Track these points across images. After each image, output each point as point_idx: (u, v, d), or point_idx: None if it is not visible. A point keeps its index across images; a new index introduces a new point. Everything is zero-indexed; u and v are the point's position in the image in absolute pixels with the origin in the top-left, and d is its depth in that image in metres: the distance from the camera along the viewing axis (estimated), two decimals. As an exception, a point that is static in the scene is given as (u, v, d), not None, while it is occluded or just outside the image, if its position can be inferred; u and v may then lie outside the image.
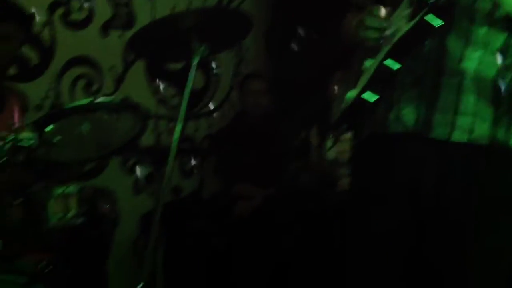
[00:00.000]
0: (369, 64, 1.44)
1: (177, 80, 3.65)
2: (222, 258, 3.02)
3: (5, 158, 1.69)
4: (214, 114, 3.99)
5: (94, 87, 3.35)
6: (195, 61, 2.09)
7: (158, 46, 2.30)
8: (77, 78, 3.29)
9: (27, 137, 1.77)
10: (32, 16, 2.93)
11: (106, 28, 3.43)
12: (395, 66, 1.36)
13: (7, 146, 1.70)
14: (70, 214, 1.88)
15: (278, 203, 3.21)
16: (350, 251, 1.53)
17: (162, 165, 2.46)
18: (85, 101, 2.00)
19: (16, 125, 1.81)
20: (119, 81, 3.45)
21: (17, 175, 2.28)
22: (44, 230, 1.87)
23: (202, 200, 3.58)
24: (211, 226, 3.20)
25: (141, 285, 1.70)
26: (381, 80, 1.40)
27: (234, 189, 3.34)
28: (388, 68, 1.36)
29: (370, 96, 1.41)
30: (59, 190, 1.92)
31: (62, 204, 1.88)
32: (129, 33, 3.36)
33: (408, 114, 1.41)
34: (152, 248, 1.90)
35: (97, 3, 3.38)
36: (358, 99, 1.43)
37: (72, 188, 1.94)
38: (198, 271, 2.96)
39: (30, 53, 3.08)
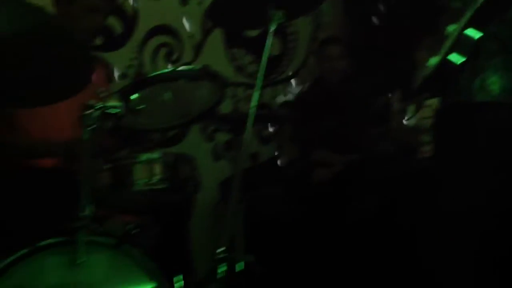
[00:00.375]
0: (452, 29, 1.40)
1: (255, 47, 3.66)
2: (299, 225, 3.05)
3: (94, 125, 1.77)
4: (292, 81, 3.98)
5: (175, 56, 3.41)
6: (272, 28, 2.10)
7: (236, 14, 2.32)
8: (159, 47, 3.36)
9: (114, 105, 1.85)
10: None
11: (185, -5, 3.47)
12: (477, 35, 1.30)
13: (96, 113, 1.79)
14: (154, 179, 1.95)
15: (358, 170, 3.18)
16: (433, 217, 1.51)
17: (240, 132, 2.51)
18: (167, 70, 2.05)
19: (104, 93, 1.89)
20: (198, 49, 3.50)
21: (106, 141, 2.40)
22: (131, 194, 1.96)
23: (280, 166, 3.61)
24: (289, 193, 3.22)
25: (222, 249, 1.75)
26: (464, 46, 1.35)
27: (313, 156, 3.34)
28: (470, 37, 1.31)
29: (456, 58, 1.36)
30: (144, 156, 1.99)
31: (147, 170, 1.96)
32: (208, 1, 3.41)
33: (494, 83, 1.36)
34: (232, 213, 1.96)
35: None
36: (442, 64, 1.38)
37: (155, 154, 2.01)
38: (276, 238, 3.01)
39: (114, 23, 3.17)
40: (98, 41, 3.03)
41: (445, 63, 1.38)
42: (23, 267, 1.59)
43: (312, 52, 3.94)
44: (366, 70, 3.73)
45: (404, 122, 3.26)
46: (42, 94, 1.76)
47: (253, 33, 3.61)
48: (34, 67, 1.63)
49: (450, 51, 1.37)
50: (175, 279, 1.92)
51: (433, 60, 1.44)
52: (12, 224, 1.93)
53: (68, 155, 2.11)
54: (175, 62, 3.37)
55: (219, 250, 1.77)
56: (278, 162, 3.71)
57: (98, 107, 1.78)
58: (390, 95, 3.41)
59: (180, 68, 2.10)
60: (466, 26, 1.31)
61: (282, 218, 3.07)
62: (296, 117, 3.54)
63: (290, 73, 3.98)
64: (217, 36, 3.57)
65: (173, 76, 2.05)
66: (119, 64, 3.18)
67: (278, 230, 3.02)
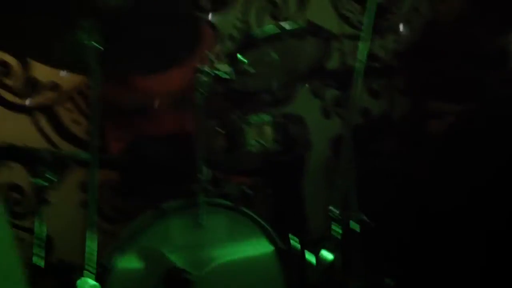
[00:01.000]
0: None
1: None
2: (413, 181, 2.98)
3: (207, 89, 1.83)
4: (401, 28, 3.83)
5: (280, 13, 3.39)
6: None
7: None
8: (264, 5, 3.35)
9: (223, 68, 1.89)
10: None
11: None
12: None
13: (207, 78, 1.84)
14: (265, 140, 2.00)
15: (477, 119, 3.02)
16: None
17: (349, 87, 2.47)
18: (272, 29, 2.05)
19: (213, 57, 1.93)
20: (302, 4, 3.45)
21: (218, 104, 2.47)
22: (244, 156, 2.02)
23: (393, 120, 3.53)
24: (403, 147, 3.15)
25: (335, 208, 1.77)
26: None
27: (426, 107, 3.22)
28: None
29: None
30: (255, 118, 2.04)
31: (258, 131, 2.00)
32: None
33: None
34: (343, 171, 1.96)
35: None
36: None
37: (266, 116, 2.05)
38: (389, 195, 2.97)
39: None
40: (205, 4, 3.08)
41: None
42: (150, 230, 1.70)
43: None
44: (481, 9, 3.50)
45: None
46: (156, 60, 1.84)
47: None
48: (147, 34, 1.70)
49: None
50: (290, 238, 1.97)
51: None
52: (139, 188, 2.07)
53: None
54: (280, 20, 3.35)
55: (332, 209, 1.78)
56: (391, 116, 3.62)
57: (209, 71, 1.83)
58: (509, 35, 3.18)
59: (285, 26, 2.09)
60: None
61: (396, 174, 3.01)
62: (408, 67, 3.42)
63: (400, 20, 3.81)
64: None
65: (278, 35, 2.05)
66: (226, 25, 3.22)
67: (392, 187, 2.97)
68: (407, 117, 3.34)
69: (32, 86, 2.68)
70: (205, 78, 1.84)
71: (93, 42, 1.47)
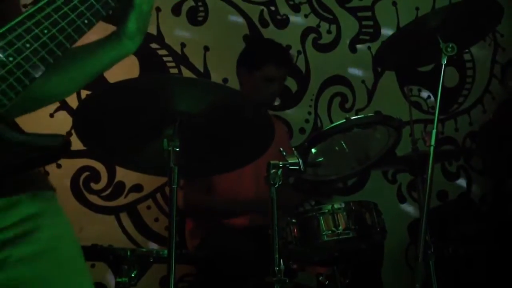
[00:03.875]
0: None
1: (429, 81, 3.58)
2: (498, 264, 2.83)
3: (280, 182, 1.88)
4: (474, 110, 3.79)
5: (348, 104, 3.47)
6: (444, 61, 2.07)
7: (405, 54, 2.32)
8: (332, 97, 3.44)
9: (294, 161, 1.95)
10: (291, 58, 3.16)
11: (354, 43, 3.54)
12: None
13: (279, 171, 1.90)
14: (340, 229, 2.00)
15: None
16: None
17: (423, 171, 2.45)
18: (341, 121, 2.10)
19: (284, 151, 2.00)
20: (371, 93, 3.52)
21: (290, 195, 2.52)
22: (318, 246, 2.02)
23: (472, 202, 3.42)
24: (485, 230, 3.02)
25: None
26: None
27: (507, 187, 3.11)
28: None
29: None
30: (328, 207, 2.05)
31: (332, 220, 2.01)
32: (376, 44, 3.44)
33: None
34: (422, 256, 1.91)
35: (342, 21, 3.51)
36: None
37: (339, 204, 2.06)
38: (472, 279, 2.83)
39: (290, 82, 3.33)
40: (276, 101, 3.21)
41: None
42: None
43: (495, 75, 3.73)
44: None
45: None
46: (234, 158, 1.93)
47: (427, 68, 3.53)
48: (226, 136, 1.80)
49: None
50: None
51: None
52: (215, 281, 2.10)
53: (257, 212, 2.26)
54: (349, 110, 3.42)
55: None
56: (470, 197, 3.51)
57: (280, 165, 1.89)
58: None
59: (354, 117, 2.14)
60: None
61: (476, 257, 2.88)
62: (485, 147, 3.35)
63: (472, 102, 3.79)
64: (389, 76, 3.56)
65: (348, 126, 2.10)
66: (296, 120, 3.32)
67: (473, 270, 2.84)
68: (487, 198, 3.23)
69: (118, 189, 2.85)
70: (277, 172, 1.90)
71: (173, 147, 1.58)
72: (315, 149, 2.18)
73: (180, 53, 3.07)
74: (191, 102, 1.63)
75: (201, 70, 3.10)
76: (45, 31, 1.01)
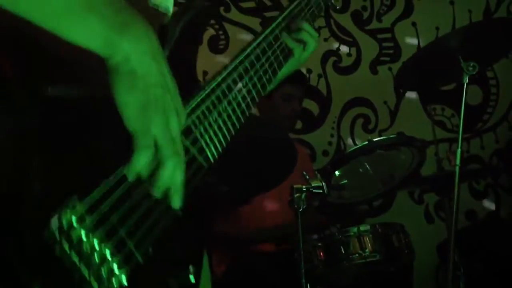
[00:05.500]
0: None
1: (452, 100, 3.55)
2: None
3: (304, 206, 1.89)
4: (499, 127, 3.75)
5: (371, 125, 3.47)
6: (466, 80, 2.07)
7: (426, 74, 2.33)
8: (354, 119, 3.45)
9: (318, 185, 1.95)
10: (305, 76, 3.19)
11: (374, 65, 3.55)
12: None
13: (303, 195, 1.90)
14: (367, 251, 1.99)
15: None
16: None
17: (449, 191, 2.43)
18: (363, 143, 2.11)
19: (308, 175, 2.00)
20: (393, 113, 3.51)
21: (316, 218, 2.51)
22: (345, 269, 2.01)
23: (501, 221, 3.36)
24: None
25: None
26: None
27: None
28: None
29: None
30: (354, 229, 2.04)
31: (359, 242, 2.00)
32: (397, 65, 3.44)
33: None
34: (452, 276, 1.89)
35: (362, 42, 3.53)
36: None
37: (365, 226, 2.05)
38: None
39: (311, 106, 3.36)
40: (298, 125, 3.22)
41: None
42: None
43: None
44: None
45: None
46: (258, 185, 1.94)
47: (449, 86, 3.51)
48: (249, 164, 1.81)
49: None
50: None
51: None
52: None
53: (283, 238, 2.26)
54: (372, 131, 3.41)
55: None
56: (499, 216, 3.45)
57: (304, 189, 1.90)
58: None
59: (376, 138, 2.15)
60: None
61: (507, 276, 2.82)
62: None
63: (497, 119, 3.75)
64: (411, 96, 3.55)
65: (370, 147, 2.10)
66: (319, 142, 3.33)
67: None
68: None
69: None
70: (301, 196, 1.90)
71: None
72: (338, 172, 2.18)
73: (202, 81, 3.10)
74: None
75: (223, 97, 3.13)
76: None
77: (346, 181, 2.16)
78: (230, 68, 1.06)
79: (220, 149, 1.01)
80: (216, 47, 3.19)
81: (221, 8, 3.23)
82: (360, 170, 2.23)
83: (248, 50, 1.10)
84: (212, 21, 3.19)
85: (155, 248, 0.85)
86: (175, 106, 0.84)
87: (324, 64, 3.44)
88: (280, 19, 1.19)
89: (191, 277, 0.93)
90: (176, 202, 0.84)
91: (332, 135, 3.38)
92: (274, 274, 2.19)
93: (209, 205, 1.05)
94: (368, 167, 2.24)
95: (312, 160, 3.13)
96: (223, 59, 3.18)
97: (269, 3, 3.34)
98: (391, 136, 2.34)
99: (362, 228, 2.04)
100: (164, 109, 0.82)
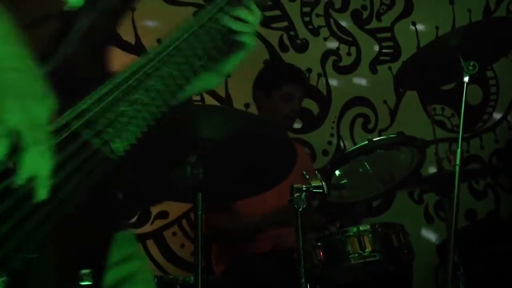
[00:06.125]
0: None
1: (452, 100, 3.55)
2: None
3: (304, 205, 1.88)
4: (499, 127, 3.74)
5: (371, 125, 3.46)
6: (465, 79, 2.06)
7: (426, 74, 2.32)
8: (354, 119, 3.44)
9: (318, 185, 1.94)
10: (306, 76, 3.17)
11: (374, 64, 3.54)
12: None
13: (303, 195, 1.90)
14: (366, 251, 1.98)
15: None
16: None
17: (449, 190, 2.42)
18: (363, 143, 2.10)
19: (308, 174, 2.00)
20: (393, 113, 3.51)
21: (315, 218, 2.51)
22: (345, 269, 2.01)
23: (501, 221, 3.35)
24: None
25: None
26: None
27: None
28: None
29: None
30: (354, 229, 2.04)
31: (358, 242, 2.00)
32: (397, 64, 3.44)
33: None
34: (452, 277, 1.88)
35: (361, 42, 3.52)
36: None
37: (364, 226, 2.05)
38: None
39: (311, 105, 3.35)
40: (298, 124, 3.22)
41: None
42: None
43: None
44: None
45: None
46: (255, 184, 1.94)
47: (449, 86, 3.51)
48: (248, 160, 1.81)
49: None
50: None
51: None
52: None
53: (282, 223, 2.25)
54: (371, 131, 3.41)
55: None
56: (499, 216, 3.44)
57: (304, 188, 1.89)
58: None
59: (376, 138, 2.14)
60: None
61: (506, 276, 2.82)
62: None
63: (497, 119, 3.74)
64: (411, 96, 3.55)
65: (370, 147, 2.10)
66: (319, 142, 3.32)
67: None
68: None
69: (144, 216, 2.87)
70: (301, 196, 1.89)
71: (197, 174, 1.60)
72: (338, 172, 2.18)
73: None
74: (214, 129, 1.65)
75: (223, 96, 3.13)
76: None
77: (346, 180, 2.15)
78: (148, 57, 0.98)
79: (132, 141, 0.95)
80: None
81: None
82: (360, 169, 2.23)
83: (175, 36, 1.03)
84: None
85: (42, 251, 0.79)
86: (36, 90, 0.79)
87: (324, 63, 3.43)
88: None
89: (86, 282, 0.86)
90: (41, 192, 0.79)
91: (332, 135, 3.37)
92: (273, 274, 2.19)
93: (113, 203, 0.98)
94: (368, 167, 2.23)
95: (312, 160, 3.12)
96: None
97: (269, 2, 3.33)
98: (391, 135, 2.35)
99: (361, 228, 2.04)
100: (21, 94, 0.77)
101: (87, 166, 0.87)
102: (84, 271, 0.86)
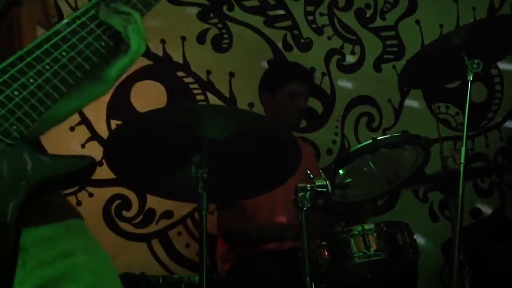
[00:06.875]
0: None
1: (456, 98, 3.55)
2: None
3: (308, 205, 1.88)
4: (504, 124, 3.73)
5: (375, 123, 3.45)
6: (470, 78, 2.06)
7: (429, 72, 2.32)
8: (358, 117, 3.44)
9: (322, 184, 1.95)
10: (312, 74, 3.17)
11: (378, 63, 3.53)
12: None
13: (308, 194, 1.90)
14: (371, 250, 1.98)
15: None
16: None
17: (454, 189, 2.42)
18: (367, 141, 2.10)
19: (312, 173, 1.99)
20: (397, 111, 3.50)
21: (320, 217, 2.51)
22: (350, 268, 2.01)
23: (506, 219, 3.35)
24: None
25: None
26: None
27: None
28: None
29: None
30: (358, 228, 2.04)
31: (363, 241, 2.00)
32: (401, 63, 3.43)
33: None
34: (457, 275, 1.88)
35: (366, 40, 3.52)
36: None
37: (369, 225, 2.05)
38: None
39: (315, 104, 3.34)
40: (302, 124, 3.21)
41: None
42: None
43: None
44: None
45: None
46: (262, 183, 1.94)
47: (453, 84, 3.50)
48: (254, 160, 1.81)
49: None
50: None
51: None
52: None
53: (287, 236, 2.26)
54: (376, 130, 3.40)
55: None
56: (504, 214, 3.44)
57: (308, 188, 1.89)
58: None
59: (380, 137, 2.14)
60: None
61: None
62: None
63: (502, 117, 3.73)
64: (416, 94, 3.54)
65: (374, 146, 2.10)
66: (323, 141, 3.32)
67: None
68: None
69: (149, 216, 2.88)
70: (305, 195, 1.90)
71: (202, 173, 1.60)
72: (342, 171, 2.18)
73: (206, 80, 3.11)
74: (218, 129, 1.65)
75: (227, 96, 3.14)
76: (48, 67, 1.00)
77: (350, 179, 2.15)
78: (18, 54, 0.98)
79: (22, 127, 0.96)
80: (219, 46, 3.18)
81: (225, 7, 3.22)
82: (365, 168, 2.23)
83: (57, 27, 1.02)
84: (216, 20, 3.19)
85: None
86: None
87: (328, 62, 3.43)
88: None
89: None
90: None
91: (336, 134, 3.37)
92: (278, 273, 2.19)
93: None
94: (373, 166, 2.23)
95: (316, 159, 3.11)
96: (227, 58, 3.18)
97: (272, 2, 3.33)
98: (396, 134, 2.34)
99: (366, 226, 2.04)
100: None
101: None
102: None
